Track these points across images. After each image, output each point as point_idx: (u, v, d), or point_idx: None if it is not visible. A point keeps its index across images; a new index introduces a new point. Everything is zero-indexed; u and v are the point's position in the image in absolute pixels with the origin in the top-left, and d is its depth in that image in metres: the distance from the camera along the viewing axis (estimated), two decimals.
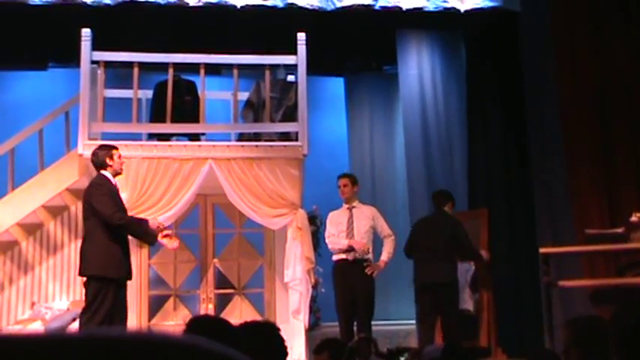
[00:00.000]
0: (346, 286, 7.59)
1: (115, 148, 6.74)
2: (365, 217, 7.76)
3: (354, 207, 7.81)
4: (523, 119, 9.31)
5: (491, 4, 9.30)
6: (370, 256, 7.71)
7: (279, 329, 3.09)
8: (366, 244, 7.68)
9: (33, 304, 8.25)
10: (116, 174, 6.68)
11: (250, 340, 2.99)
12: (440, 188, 8.43)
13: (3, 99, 9.89)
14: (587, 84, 8.91)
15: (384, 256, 7.75)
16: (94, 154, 6.71)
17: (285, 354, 3.19)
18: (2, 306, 8.27)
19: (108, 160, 6.58)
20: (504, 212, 9.21)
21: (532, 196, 9.11)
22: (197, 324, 3.09)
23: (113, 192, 6.57)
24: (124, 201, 7.00)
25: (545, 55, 9.09)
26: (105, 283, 6.32)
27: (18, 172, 8.32)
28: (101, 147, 6.77)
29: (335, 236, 7.72)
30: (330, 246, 7.81)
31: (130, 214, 7.03)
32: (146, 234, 6.66)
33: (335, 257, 7.74)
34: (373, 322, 9.15)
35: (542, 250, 7.42)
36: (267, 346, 3.01)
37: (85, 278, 6.51)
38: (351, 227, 7.71)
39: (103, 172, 6.61)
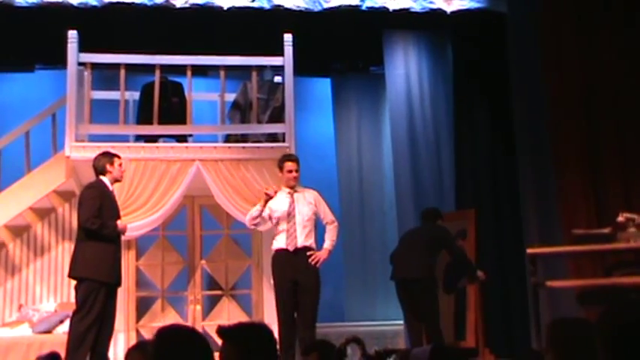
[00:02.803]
0: (286, 278, 6.93)
1: (118, 156, 6.81)
2: (307, 202, 7.12)
3: (295, 192, 7.16)
4: (510, 120, 9.33)
5: (477, 5, 9.33)
6: (312, 243, 7.05)
7: (272, 331, 3.10)
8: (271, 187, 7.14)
9: (20, 306, 8.23)
10: (115, 181, 6.78)
11: (243, 341, 3.00)
12: (428, 206, 8.39)
13: None
14: (574, 84, 8.95)
15: (328, 244, 7.08)
16: (95, 159, 6.80)
17: (277, 356, 3.19)
18: None
19: (108, 167, 6.67)
20: (492, 213, 9.25)
21: (519, 196, 9.14)
22: (166, 333, 3.10)
23: (105, 197, 6.57)
24: None
25: (532, 56, 9.12)
26: (96, 286, 6.35)
27: (4, 175, 8.30)
28: (104, 153, 6.85)
29: (262, 219, 7.14)
30: (246, 220, 7.28)
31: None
32: (113, 237, 6.59)
33: (274, 246, 7.08)
34: (361, 323, 9.23)
35: (529, 250, 7.45)
36: (259, 347, 3.02)
37: (75, 281, 6.51)
38: (293, 213, 7.04)
39: (101, 177, 6.67)
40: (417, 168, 9.43)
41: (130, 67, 8.14)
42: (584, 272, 8.19)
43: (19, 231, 8.38)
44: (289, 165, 7.16)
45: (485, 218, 9.00)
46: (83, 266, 6.42)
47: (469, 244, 8.38)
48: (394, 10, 9.17)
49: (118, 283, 6.63)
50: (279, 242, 7.03)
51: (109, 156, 6.78)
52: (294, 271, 6.92)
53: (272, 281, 7.24)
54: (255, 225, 7.29)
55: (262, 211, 7.11)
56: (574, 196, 8.73)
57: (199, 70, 8.68)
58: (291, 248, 6.98)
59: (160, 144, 8.11)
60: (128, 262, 8.12)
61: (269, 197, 7.05)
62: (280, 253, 7.01)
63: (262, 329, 3.09)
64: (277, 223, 7.06)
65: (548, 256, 7.75)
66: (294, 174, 7.15)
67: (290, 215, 7.03)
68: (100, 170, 6.70)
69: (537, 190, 8.97)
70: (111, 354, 6.87)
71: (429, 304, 7.46)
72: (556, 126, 8.89)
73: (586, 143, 8.85)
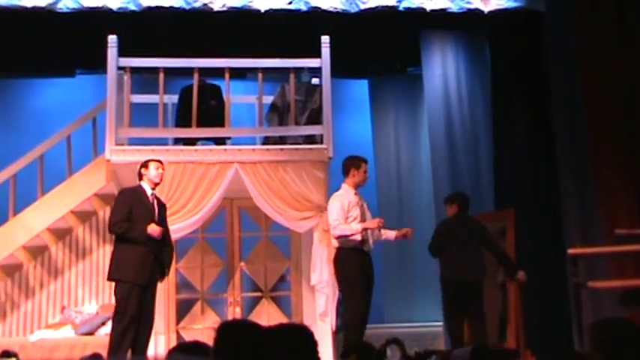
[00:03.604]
0: (364, 277, 7.01)
1: (154, 160, 6.90)
2: (365, 206, 7.32)
3: (357, 193, 7.27)
4: (549, 118, 9.25)
5: (515, 4, 9.27)
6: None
7: (312, 333, 3.10)
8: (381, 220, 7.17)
9: (63, 308, 8.34)
10: (154, 184, 6.83)
11: (284, 342, 3.01)
12: (461, 191, 8.35)
13: (32, 106, 9.99)
14: (613, 83, 8.84)
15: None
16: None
17: (318, 358, 3.20)
18: (33, 310, 8.37)
19: (142, 171, 6.82)
20: (531, 213, 9.16)
21: (559, 196, 9.05)
22: (228, 328, 3.10)
23: (138, 201, 6.65)
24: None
25: (571, 54, 9.03)
26: (128, 287, 6.47)
27: (47, 178, 8.41)
28: (145, 161, 6.97)
29: (342, 223, 7.01)
30: (338, 233, 7.03)
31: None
32: (141, 240, 6.58)
33: (347, 245, 7.03)
34: (401, 325, 9.24)
35: (570, 250, 7.37)
36: (300, 349, 3.03)
37: (113, 283, 6.61)
38: (364, 215, 7.16)
39: (140, 182, 6.79)
40: (455, 168, 9.39)
41: (169, 71, 8.20)
42: (627, 273, 8.08)
43: (61, 234, 8.49)
44: (366, 166, 7.30)
45: (525, 218, 8.91)
46: (115, 269, 6.58)
47: (509, 244, 8.31)
48: (431, 11, 9.15)
49: (149, 284, 6.60)
50: (354, 242, 7.03)
51: (145, 161, 6.92)
52: (368, 274, 7.07)
53: (332, 278, 7.38)
54: (338, 239, 7.23)
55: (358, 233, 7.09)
56: (615, 195, 8.62)
57: (237, 73, 8.73)
58: (367, 249, 7.11)
59: (198, 147, 8.16)
60: None
61: (377, 228, 7.14)
62: (355, 252, 7.04)
63: (304, 330, 3.10)
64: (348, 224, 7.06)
65: (589, 257, 7.66)
66: (367, 175, 7.32)
67: (363, 216, 7.15)
68: (138, 176, 6.85)
69: (577, 190, 8.87)
70: (152, 355, 6.94)
71: (482, 305, 7.47)
72: (595, 125, 8.78)
73: (627, 141, 8.73)
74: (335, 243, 7.16)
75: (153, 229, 6.60)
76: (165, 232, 6.77)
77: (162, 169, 6.91)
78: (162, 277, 6.82)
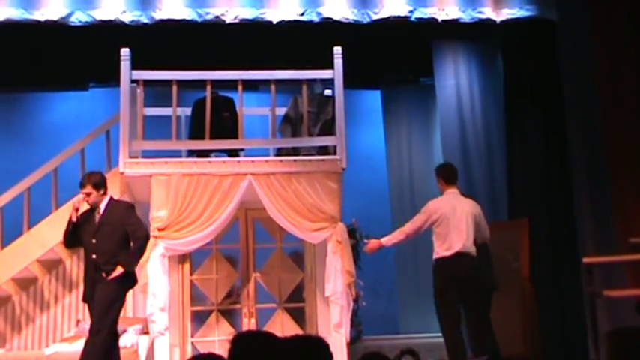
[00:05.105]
0: None
1: (83, 183, 6.86)
2: None
3: None
4: (563, 128, 9.23)
5: (527, 13, 9.24)
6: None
7: (328, 345, 3.10)
8: None
9: (78, 321, 8.35)
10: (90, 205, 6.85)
11: (300, 354, 3.00)
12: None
13: (45, 119, 10.05)
14: (628, 90, 8.81)
15: None
16: None
17: None
18: (48, 323, 8.39)
19: None
20: (545, 222, 9.14)
21: (574, 204, 9.02)
22: (242, 340, 3.10)
23: (83, 221, 6.77)
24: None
25: (584, 63, 9.01)
26: None
27: (61, 191, 8.44)
28: None
29: None
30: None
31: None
32: (73, 223, 6.78)
33: None
34: (416, 335, 9.26)
35: (585, 259, 7.34)
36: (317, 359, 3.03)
37: None
38: None
39: None
40: (468, 178, 9.38)
41: (182, 83, 8.22)
42: None
43: None
44: None
45: (539, 227, 8.89)
46: None
47: (523, 253, 8.27)
48: (443, 21, 9.14)
49: (86, 299, 6.70)
50: None
51: None
52: None
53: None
54: None
55: None
56: (630, 203, 8.58)
57: (250, 85, 8.75)
58: None
59: (212, 159, 8.18)
60: (182, 276, 8.22)
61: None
62: None
63: (320, 342, 3.10)
64: None
65: (605, 265, 7.63)
66: None
67: None
68: None
69: (592, 198, 8.84)
70: None
71: None
72: (610, 132, 8.75)
73: None
74: (473, 251, 7.25)
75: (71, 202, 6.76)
76: (132, 226, 6.73)
77: (89, 196, 6.77)
78: (107, 275, 6.57)
